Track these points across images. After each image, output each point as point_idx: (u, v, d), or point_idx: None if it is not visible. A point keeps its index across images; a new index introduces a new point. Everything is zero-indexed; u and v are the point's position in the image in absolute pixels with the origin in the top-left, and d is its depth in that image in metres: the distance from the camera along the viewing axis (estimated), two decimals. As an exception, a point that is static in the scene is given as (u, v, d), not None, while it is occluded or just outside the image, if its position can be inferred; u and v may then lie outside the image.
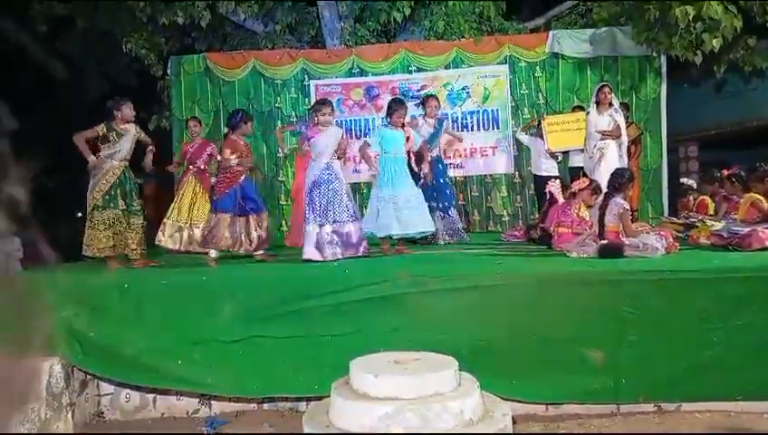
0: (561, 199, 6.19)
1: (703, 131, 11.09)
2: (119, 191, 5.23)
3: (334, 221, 5.42)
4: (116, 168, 5.25)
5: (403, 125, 5.95)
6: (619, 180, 5.17)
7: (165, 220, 6.73)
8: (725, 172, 6.71)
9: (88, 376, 4.33)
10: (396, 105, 5.95)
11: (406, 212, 5.69)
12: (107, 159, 5.24)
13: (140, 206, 5.46)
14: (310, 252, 5.38)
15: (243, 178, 5.72)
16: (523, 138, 8.24)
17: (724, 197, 6.53)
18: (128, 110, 5.37)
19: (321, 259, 5.32)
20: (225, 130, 6.15)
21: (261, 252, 5.77)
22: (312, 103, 7.07)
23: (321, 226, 5.40)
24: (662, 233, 5.10)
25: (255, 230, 5.74)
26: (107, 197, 5.19)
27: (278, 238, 8.28)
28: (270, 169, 9.03)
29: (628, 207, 5.07)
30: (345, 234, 5.44)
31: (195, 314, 4.17)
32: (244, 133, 5.90)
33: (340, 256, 5.35)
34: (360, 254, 5.44)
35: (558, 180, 6.87)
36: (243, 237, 5.69)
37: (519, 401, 3.94)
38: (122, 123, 5.35)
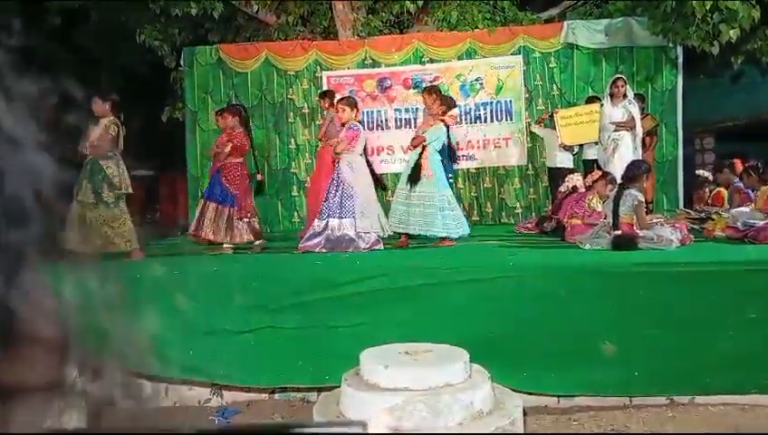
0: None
1: (719, 123, 10.97)
2: (87, 184, 5.15)
3: (328, 216, 5.49)
4: (86, 160, 5.21)
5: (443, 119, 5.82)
6: (635, 171, 5.12)
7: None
8: (737, 162, 6.64)
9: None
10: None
11: (414, 208, 5.68)
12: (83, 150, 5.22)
13: (117, 197, 5.26)
14: (311, 245, 5.49)
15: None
16: (538, 130, 8.19)
17: (735, 189, 6.45)
18: (94, 106, 5.28)
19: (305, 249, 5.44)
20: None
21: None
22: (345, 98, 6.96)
23: (318, 219, 5.48)
24: (677, 225, 5.06)
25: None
26: (78, 190, 5.10)
27: (290, 230, 8.30)
28: (282, 160, 9.03)
29: (642, 198, 5.02)
30: (333, 229, 5.48)
31: (206, 305, 4.19)
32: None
33: (326, 251, 5.40)
34: (351, 250, 5.41)
35: (578, 173, 6.84)
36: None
37: (530, 393, 3.92)
38: (102, 117, 5.33)
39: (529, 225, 7.34)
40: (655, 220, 5.20)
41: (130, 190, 5.42)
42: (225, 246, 5.83)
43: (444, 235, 5.64)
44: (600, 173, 5.84)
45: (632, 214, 4.90)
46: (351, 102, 5.88)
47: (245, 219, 5.90)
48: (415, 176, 5.57)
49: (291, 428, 0.42)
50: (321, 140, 7.23)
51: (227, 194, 5.91)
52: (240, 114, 6.26)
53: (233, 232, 5.89)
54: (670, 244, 4.64)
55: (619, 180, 5.42)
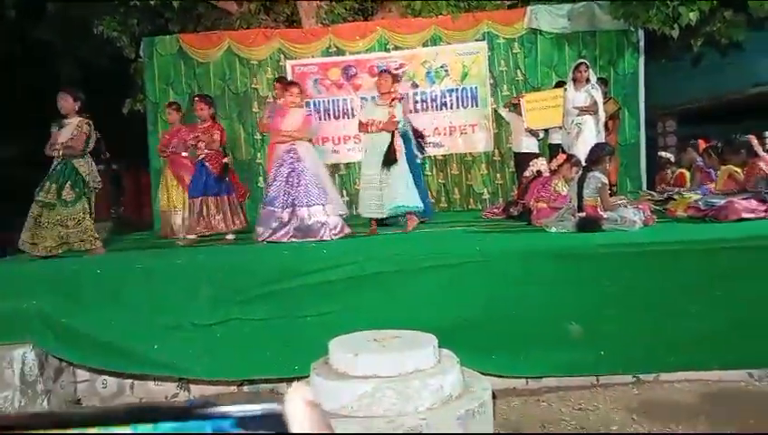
0: None
1: (681, 106, 11.14)
2: (46, 184, 5.02)
3: (293, 205, 5.39)
4: (55, 160, 5.09)
5: (393, 99, 5.77)
6: (598, 154, 5.16)
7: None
8: (701, 142, 6.75)
9: (63, 363, 4.26)
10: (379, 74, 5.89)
11: (387, 191, 5.63)
12: (53, 152, 5.10)
13: (77, 196, 5.09)
14: (261, 232, 5.44)
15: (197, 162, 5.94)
16: (505, 113, 8.22)
17: (698, 167, 6.56)
18: (59, 102, 5.16)
19: (272, 240, 5.37)
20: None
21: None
22: (282, 78, 6.94)
23: (278, 208, 5.40)
24: (640, 206, 5.13)
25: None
26: (40, 190, 5.01)
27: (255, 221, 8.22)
28: (248, 151, 8.92)
29: (606, 181, 5.07)
30: (303, 218, 5.40)
31: (171, 298, 4.13)
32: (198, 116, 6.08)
33: (295, 241, 5.33)
34: (321, 238, 5.35)
35: (542, 158, 6.88)
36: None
37: (499, 376, 3.95)
38: (68, 115, 5.19)
39: (496, 210, 7.38)
40: (618, 202, 5.27)
41: (99, 186, 5.32)
42: (228, 236, 5.95)
43: (417, 206, 5.75)
44: (565, 157, 5.89)
45: (596, 196, 4.95)
46: (299, 86, 5.95)
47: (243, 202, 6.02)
48: (391, 158, 5.57)
49: (201, 407, 0.39)
50: (265, 131, 7.17)
51: (222, 184, 5.95)
52: (212, 104, 6.36)
53: (240, 217, 6.07)
54: (633, 225, 4.70)
55: (583, 164, 5.47)
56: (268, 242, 5.35)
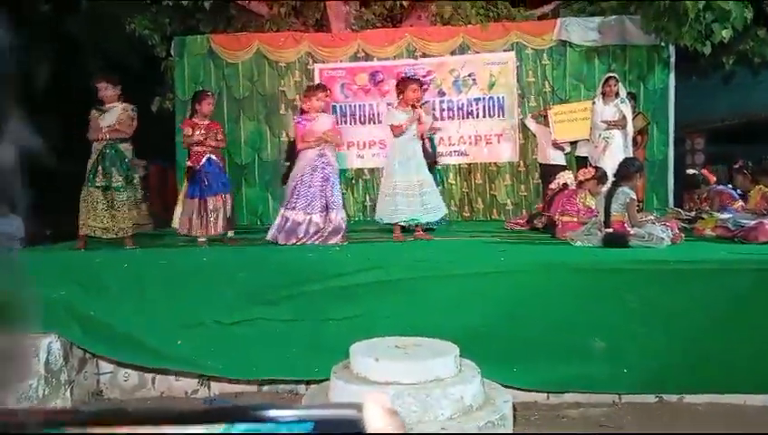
0: None
1: (710, 123, 11.01)
2: (99, 168, 5.14)
3: (326, 209, 5.43)
4: (98, 145, 5.18)
5: (414, 105, 5.69)
6: (627, 169, 5.11)
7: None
8: (705, 173, 6.72)
9: (87, 354, 4.31)
10: (407, 82, 5.77)
11: (426, 198, 5.62)
12: (95, 138, 5.20)
13: (126, 182, 5.23)
14: (274, 234, 5.46)
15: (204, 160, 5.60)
16: (532, 125, 8.19)
17: (717, 191, 6.47)
18: (100, 91, 5.24)
19: (284, 243, 5.37)
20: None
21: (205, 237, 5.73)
22: (306, 87, 6.91)
23: (315, 213, 5.40)
24: (667, 223, 5.07)
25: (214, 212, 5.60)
26: (90, 175, 5.14)
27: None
28: (273, 152, 8.97)
29: (634, 196, 5.02)
30: (332, 220, 5.44)
31: (195, 295, 4.15)
32: (203, 114, 5.69)
33: (316, 243, 5.36)
34: (338, 242, 5.38)
35: (568, 171, 6.84)
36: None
37: (520, 389, 3.92)
38: (108, 102, 5.26)
39: (520, 221, 7.34)
40: (646, 219, 5.20)
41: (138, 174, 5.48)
42: (229, 236, 5.84)
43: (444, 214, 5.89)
44: (594, 171, 5.84)
45: (624, 212, 4.90)
46: (327, 89, 5.95)
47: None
48: (431, 163, 5.66)
49: (272, 409, 0.39)
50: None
51: (227, 183, 5.82)
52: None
53: (233, 221, 5.91)
54: (661, 242, 4.64)
55: (610, 178, 5.41)
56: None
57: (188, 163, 5.70)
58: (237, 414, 0.39)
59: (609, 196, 4.99)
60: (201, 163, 5.55)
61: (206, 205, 5.52)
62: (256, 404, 0.41)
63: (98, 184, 5.14)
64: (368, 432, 0.39)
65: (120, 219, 5.18)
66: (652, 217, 5.44)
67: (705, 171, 6.99)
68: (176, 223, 6.08)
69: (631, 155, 6.54)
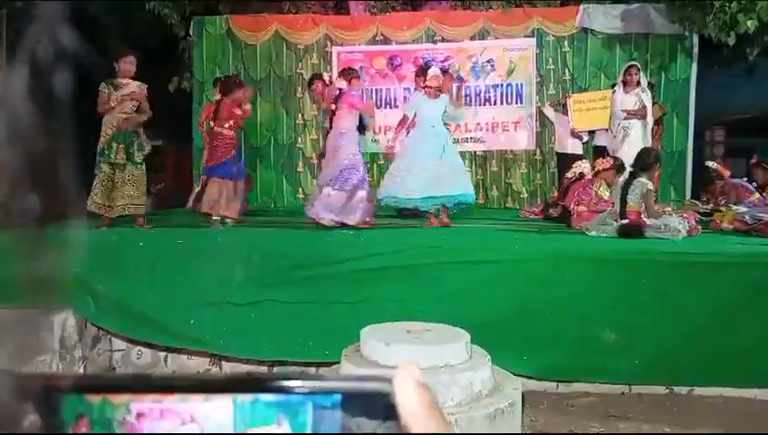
0: None
1: (731, 115, 10.83)
2: (116, 145, 5.17)
3: (354, 186, 5.42)
4: (113, 120, 5.19)
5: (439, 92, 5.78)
6: (646, 160, 5.06)
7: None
8: (718, 167, 6.63)
9: (101, 331, 4.36)
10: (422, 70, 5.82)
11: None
12: (109, 114, 5.20)
13: (143, 159, 5.34)
14: (324, 215, 5.44)
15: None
16: (550, 113, 8.11)
17: (734, 184, 6.38)
18: (125, 65, 5.25)
19: (333, 223, 5.38)
20: (218, 95, 6.06)
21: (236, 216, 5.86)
22: (344, 70, 6.94)
23: (334, 189, 5.40)
24: (684, 215, 5.02)
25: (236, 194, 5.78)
26: (105, 150, 5.16)
27: (294, 205, 8.28)
28: (288, 135, 8.98)
29: (652, 187, 4.98)
30: (362, 198, 5.44)
31: (209, 276, 4.18)
32: (236, 100, 5.79)
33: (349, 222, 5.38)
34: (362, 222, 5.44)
35: (586, 160, 6.78)
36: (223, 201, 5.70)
37: (530, 377, 3.91)
38: (123, 78, 5.27)
39: (535, 210, 7.31)
40: (663, 210, 5.16)
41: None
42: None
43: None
44: (612, 160, 5.78)
45: (641, 202, 4.85)
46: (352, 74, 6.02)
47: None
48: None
49: (298, 379, 0.39)
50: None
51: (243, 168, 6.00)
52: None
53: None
54: (677, 234, 4.60)
55: (628, 168, 5.36)
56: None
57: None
58: (262, 385, 0.38)
59: (627, 186, 4.95)
60: (236, 148, 5.76)
61: (236, 187, 5.70)
62: (282, 373, 0.40)
63: (113, 160, 5.16)
64: (397, 409, 0.37)
65: (134, 196, 5.23)
66: (669, 209, 5.39)
67: (717, 165, 6.90)
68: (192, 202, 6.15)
69: (650, 145, 6.46)
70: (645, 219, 4.82)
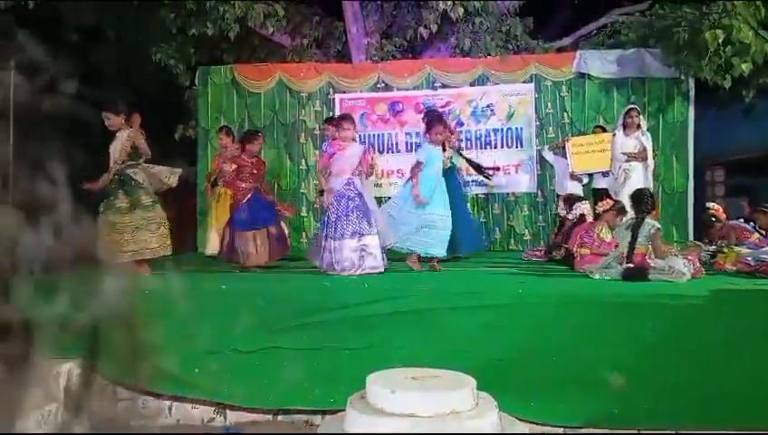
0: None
1: (730, 156, 10.93)
2: (119, 191, 5.20)
3: (355, 234, 5.42)
4: (110, 171, 5.25)
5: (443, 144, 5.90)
6: (650, 200, 5.14)
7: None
8: (715, 210, 6.68)
9: (105, 381, 4.32)
10: (436, 121, 5.87)
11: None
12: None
13: (154, 200, 5.33)
14: (323, 264, 5.50)
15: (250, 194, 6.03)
16: (549, 156, 8.21)
17: (732, 226, 6.42)
18: (106, 121, 5.24)
19: (334, 272, 5.37)
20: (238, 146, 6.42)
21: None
22: (332, 118, 7.06)
23: (334, 240, 5.42)
24: (689, 257, 5.03)
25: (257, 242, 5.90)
26: (107, 200, 5.19)
27: (299, 250, 8.30)
28: (292, 181, 9.07)
29: (659, 226, 5.03)
30: (367, 247, 5.43)
31: (213, 323, 4.17)
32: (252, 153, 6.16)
33: (359, 271, 5.33)
34: (379, 268, 5.40)
35: (586, 202, 6.83)
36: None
37: (537, 423, 3.87)
38: (119, 130, 5.32)
39: (537, 252, 7.32)
40: (670, 251, 5.17)
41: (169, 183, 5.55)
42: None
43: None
44: (613, 202, 5.83)
45: (648, 243, 4.88)
46: (352, 119, 6.05)
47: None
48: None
49: None
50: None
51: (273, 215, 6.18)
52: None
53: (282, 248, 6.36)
54: (682, 276, 4.61)
55: (629, 210, 5.41)
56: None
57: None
58: None
59: (636, 227, 4.97)
60: (248, 197, 6.01)
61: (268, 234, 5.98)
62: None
63: (115, 206, 5.17)
64: None
65: (148, 241, 5.19)
66: (674, 250, 5.41)
67: (714, 209, 6.93)
68: (210, 249, 6.42)
69: (651, 187, 6.52)
70: (650, 260, 4.83)
